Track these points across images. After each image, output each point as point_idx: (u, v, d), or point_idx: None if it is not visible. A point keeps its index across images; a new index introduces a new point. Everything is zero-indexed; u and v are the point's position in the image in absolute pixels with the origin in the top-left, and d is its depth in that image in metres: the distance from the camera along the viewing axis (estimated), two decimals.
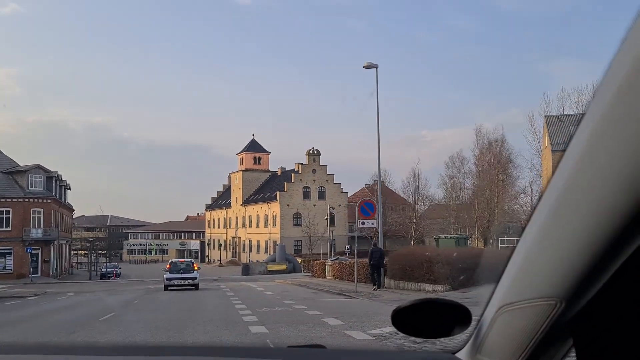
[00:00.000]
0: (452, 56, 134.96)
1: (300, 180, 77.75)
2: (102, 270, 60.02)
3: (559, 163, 0.92)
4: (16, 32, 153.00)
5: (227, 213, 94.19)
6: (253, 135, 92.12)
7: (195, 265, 30.39)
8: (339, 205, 79.56)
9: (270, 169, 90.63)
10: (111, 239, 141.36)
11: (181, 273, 28.65)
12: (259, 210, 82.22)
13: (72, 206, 69.40)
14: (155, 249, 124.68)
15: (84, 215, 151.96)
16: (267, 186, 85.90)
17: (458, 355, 1.41)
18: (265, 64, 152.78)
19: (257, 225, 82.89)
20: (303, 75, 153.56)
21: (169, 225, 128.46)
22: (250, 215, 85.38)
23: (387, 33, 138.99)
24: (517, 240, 1.11)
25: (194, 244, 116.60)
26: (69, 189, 66.18)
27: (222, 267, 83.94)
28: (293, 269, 55.60)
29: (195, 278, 28.59)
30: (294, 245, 75.99)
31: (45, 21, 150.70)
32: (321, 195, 79.01)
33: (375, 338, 10.37)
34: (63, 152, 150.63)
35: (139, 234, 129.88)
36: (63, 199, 63.79)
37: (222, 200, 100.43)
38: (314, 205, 78.13)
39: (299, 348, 1.85)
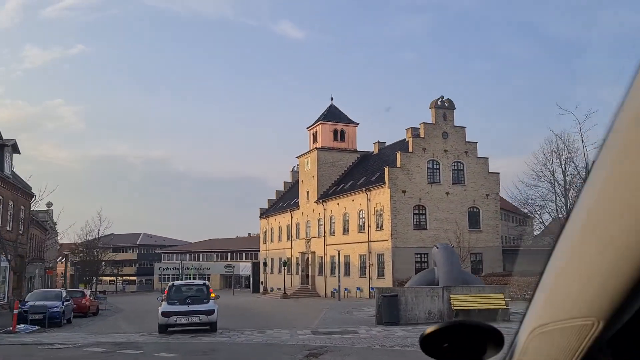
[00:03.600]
0: None
1: (423, 150, 44.22)
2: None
3: (590, 172, 0.84)
4: (82, 71, 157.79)
5: (292, 217, 61.34)
6: (332, 99, 59.74)
7: (211, 290, 18.08)
8: (486, 195, 45.56)
9: (358, 149, 57.77)
10: (140, 262, 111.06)
11: (188, 304, 16.88)
12: (347, 205, 48.97)
13: (31, 190, 38.21)
14: (194, 274, 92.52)
15: (112, 234, 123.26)
16: (357, 172, 52.88)
17: None
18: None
19: (345, 231, 49.51)
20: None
21: (212, 243, 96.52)
22: (331, 217, 52.19)
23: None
24: (548, 258, 1.04)
25: (245, 267, 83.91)
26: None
27: (287, 299, 50.90)
28: None
29: (212, 312, 17.14)
30: (416, 261, 42.61)
31: (109, 61, 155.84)
32: (457, 177, 45.22)
33: None
34: (123, 185, 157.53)
35: (174, 255, 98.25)
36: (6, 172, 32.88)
37: (283, 201, 67.81)
38: (447, 193, 44.31)
39: None
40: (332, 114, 58.11)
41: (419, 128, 45.99)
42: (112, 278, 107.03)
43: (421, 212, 43.59)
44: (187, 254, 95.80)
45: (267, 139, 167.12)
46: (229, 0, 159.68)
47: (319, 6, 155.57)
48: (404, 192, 42.89)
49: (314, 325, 20.10)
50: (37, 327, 19.36)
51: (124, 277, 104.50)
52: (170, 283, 20.03)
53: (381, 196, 43.57)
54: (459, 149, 45.19)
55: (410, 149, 43.96)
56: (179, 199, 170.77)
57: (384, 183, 43.01)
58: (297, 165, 72.55)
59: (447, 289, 17.68)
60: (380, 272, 43.37)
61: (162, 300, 18.03)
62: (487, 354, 1.29)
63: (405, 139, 48.05)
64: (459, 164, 45.20)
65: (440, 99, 45.21)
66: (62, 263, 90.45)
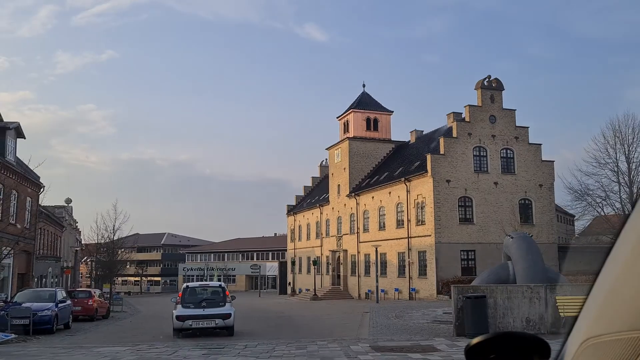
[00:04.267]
0: None
1: (469, 135, 39.51)
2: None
3: None
4: (112, 76, 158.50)
5: (322, 213, 57.06)
6: (364, 86, 55.36)
7: (227, 292, 17.16)
8: (539, 185, 40.70)
9: (393, 139, 53.26)
10: (165, 262, 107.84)
11: (203, 307, 15.89)
12: (383, 198, 44.49)
13: (39, 180, 34.69)
14: (219, 275, 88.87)
15: (137, 234, 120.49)
16: (392, 163, 48.38)
17: None
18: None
19: (381, 227, 45.02)
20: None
21: (238, 243, 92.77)
22: (365, 211, 47.75)
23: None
24: (603, 262, 1.04)
25: (271, 267, 79.86)
26: None
27: (318, 301, 46.74)
28: None
29: (229, 315, 16.04)
30: (462, 259, 38.00)
31: (137, 66, 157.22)
32: (507, 166, 40.41)
33: None
34: (150, 188, 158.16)
35: (198, 255, 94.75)
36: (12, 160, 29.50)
37: (312, 197, 63.60)
38: (495, 183, 39.55)
39: None
40: (365, 102, 53.73)
41: (461, 113, 41.34)
42: (137, 278, 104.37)
43: (467, 204, 38.88)
44: (212, 254, 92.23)
45: (292, 141, 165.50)
46: (254, 4, 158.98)
47: (343, 8, 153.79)
48: (448, 181, 38.26)
49: (366, 334, 15.74)
50: (12, 336, 15.31)
51: (149, 278, 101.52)
52: (184, 285, 18.56)
53: (422, 187, 39.00)
54: (508, 135, 40.36)
55: (455, 134, 39.30)
56: (205, 202, 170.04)
57: (426, 172, 38.44)
58: (326, 159, 68.36)
59: (551, 289, 13.10)
60: (422, 271, 38.80)
61: (176, 303, 16.82)
62: None
63: (446, 126, 43.45)
64: (509, 151, 40.36)
65: (487, 79, 40.47)
66: (86, 264, 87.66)
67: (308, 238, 61.00)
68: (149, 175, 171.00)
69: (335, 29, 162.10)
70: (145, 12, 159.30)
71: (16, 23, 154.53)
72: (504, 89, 40.86)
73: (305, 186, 68.09)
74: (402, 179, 41.25)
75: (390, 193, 43.40)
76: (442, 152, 38.68)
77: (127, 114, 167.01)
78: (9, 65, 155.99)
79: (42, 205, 44.96)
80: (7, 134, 29.82)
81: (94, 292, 26.35)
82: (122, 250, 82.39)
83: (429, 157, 38.44)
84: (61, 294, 20.24)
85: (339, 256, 52.34)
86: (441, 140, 39.11)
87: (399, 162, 46.84)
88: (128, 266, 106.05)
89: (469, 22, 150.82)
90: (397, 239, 41.97)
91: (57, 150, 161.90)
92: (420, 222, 39.41)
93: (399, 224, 42.18)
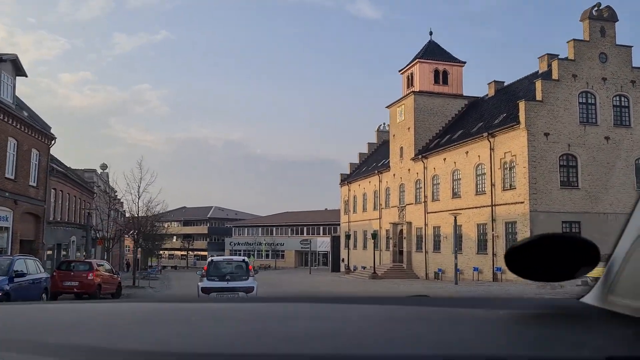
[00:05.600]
0: None
1: (573, 77, 31.01)
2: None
3: None
4: (166, 56, 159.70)
5: (380, 181, 49.62)
6: (431, 34, 47.06)
7: (250, 266, 17.54)
8: None
9: (465, 94, 45.07)
10: (212, 236, 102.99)
11: (227, 281, 16.38)
12: (458, 160, 36.65)
13: (50, 130, 28.77)
14: (266, 250, 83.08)
15: (184, 207, 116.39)
16: (467, 120, 40.36)
17: (584, 300, 1.19)
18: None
19: (455, 194, 37.28)
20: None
21: (286, 217, 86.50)
22: (434, 176, 40.02)
23: None
24: None
25: (322, 242, 73.18)
26: None
27: (378, 280, 39.73)
28: None
29: (252, 289, 16.23)
30: (565, 232, 29.11)
31: (191, 46, 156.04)
32: (621, 116, 31.78)
33: None
34: (205, 166, 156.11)
35: (245, 229, 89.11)
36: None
37: (368, 164, 56.21)
38: (606, 138, 31.05)
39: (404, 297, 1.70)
40: (432, 51, 45.58)
41: (557, 55, 32.79)
42: (184, 252, 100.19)
43: (570, 163, 30.64)
44: (259, 228, 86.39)
45: (344, 120, 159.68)
46: None
47: None
48: (546, 135, 30.08)
49: None
50: None
51: (195, 252, 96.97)
52: (209, 258, 19.46)
53: (512, 142, 30.96)
54: (623, 78, 31.66)
55: (555, 76, 30.92)
56: (255, 180, 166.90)
57: (517, 123, 30.36)
58: (384, 124, 60.68)
59: None
60: None
61: (201, 276, 17.36)
62: (581, 270, 1.12)
63: (538, 72, 35.02)
64: (623, 99, 31.71)
65: (596, 7, 31.72)
66: (130, 237, 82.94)
67: (364, 210, 53.74)
68: (202, 154, 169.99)
69: (386, 5, 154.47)
70: None
71: (76, 6, 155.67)
72: (617, 20, 32.03)
73: (360, 153, 60.71)
74: (484, 134, 33.27)
75: (467, 153, 35.50)
76: (539, 98, 30.44)
77: (180, 94, 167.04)
78: (70, 47, 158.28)
79: (66, 166, 39.49)
80: (1, 67, 23.70)
81: (97, 264, 20.02)
82: (163, 222, 77.70)
83: (522, 104, 30.25)
84: (25, 264, 13.83)
85: (401, 229, 44.93)
86: (538, 85, 30.81)
87: (476, 118, 38.75)
88: (174, 239, 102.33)
89: None
90: (476, 207, 34.19)
91: (115, 130, 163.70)
92: (509, 186, 31.47)
93: (479, 189, 34.34)
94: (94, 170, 45.75)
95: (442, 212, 38.17)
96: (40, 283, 14.31)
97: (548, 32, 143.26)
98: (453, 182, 37.45)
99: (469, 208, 34.65)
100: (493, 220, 32.45)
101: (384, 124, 61.12)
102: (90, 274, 18.88)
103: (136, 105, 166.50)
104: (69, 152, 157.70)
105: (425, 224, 40.72)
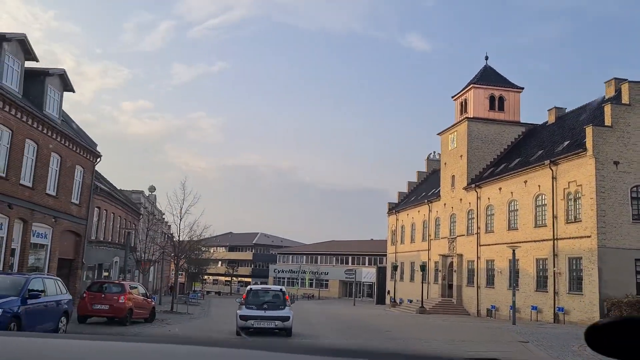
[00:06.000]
0: None
1: None
2: None
3: None
4: (221, 86, 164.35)
5: (430, 210, 47.39)
6: (487, 59, 45.12)
7: (287, 297, 18.00)
8: None
9: (522, 121, 42.70)
10: (256, 262, 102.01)
11: (264, 309, 16.94)
12: (515, 189, 34.25)
13: (96, 148, 28.36)
14: (310, 279, 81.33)
15: (230, 232, 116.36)
16: (525, 148, 38.04)
17: None
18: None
19: (512, 226, 34.77)
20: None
21: (332, 245, 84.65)
22: (488, 206, 37.65)
23: None
24: None
25: (368, 273, 70.88)
26: None
27: (426, 314, 37.38)
28: None
29: (288, 318, 16.84)
30: (638, 271, 26.95)
31: (245, 76, 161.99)
32: None
33: None
34: (254, 193, 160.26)
35: (289, 256, 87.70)
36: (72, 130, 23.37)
37: (417, 193, 54.10)
38: None
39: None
40: (488, 77, 43.62)
41: (625, 80, 30.26)
42: (228, 278, 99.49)
43: None
44: (304, 256, 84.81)
45: (393, 152, 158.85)
46: (358, 15, 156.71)
47: (446, 17, 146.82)
48: (616, 163, 27.52)
49: None
50: None
51: (239, 278, 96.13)
52: (248, 287, 19.63)
53: (578, 171, 28.50)
54: None
55: (625, 100, 28.46)
56: (303, 208, 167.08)
57: (584, 150, 27.95)
58: (434, 152, 58.69)
59: None
60: (575, 285, 28.27)
61: (240, 304, 17.75)
62: None
63: (604, 97, 32.53)
64: None
65: None
66: (174, 260, 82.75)
67: (412, 240, 51.47)
68: (251, 180, 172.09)
69: (437, 37, 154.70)
70: (254, 24, 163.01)
71: (139, 37, 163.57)
72: None
73: (409, 182, 58.68)
74: (546, 162, 30.90)
75: (526, 182, 33.11)
76: (607, 123, 28.00)
77: (233, 122, 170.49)
78: (132, 76, 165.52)
79: (112, 185, 39.27)
80: (48, 81, 23.42)
81: (129, 287, 18.85)
82: (208, 247, 77.22)
83: (589, 129, 27.88)
84: (43, 283, 12.57)
85: (451, 262, 42.47)
86: (607, 109, 28.40)
87: (535, 146, 36.37)
88: (219, 265, 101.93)
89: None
90: (535, 240, 31.60)
91: (169, 155, 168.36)
92: (573, 218, 28.89)
93: (539, 221, 31.81)
94: (142, 192, 45.58)
95: (497, 244, 35.68)
96: (60, 306, 13.10)
97: (606, 59, 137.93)
98: (509, 213, 35.00)
99: (527, 241, 32.09)
100: (555, 255, 29.81)
101: (434, 152, 59.13)
102: (122, 297, 17.74)
103: (191, 132, 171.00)
104: (124, 175, 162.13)
105: (478, 257, 38.20)
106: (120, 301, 17.61)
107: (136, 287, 19.94)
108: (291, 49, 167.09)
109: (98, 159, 28.46)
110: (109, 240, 33.88)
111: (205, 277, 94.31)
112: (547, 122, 39.22)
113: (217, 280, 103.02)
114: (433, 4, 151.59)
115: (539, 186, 31.76)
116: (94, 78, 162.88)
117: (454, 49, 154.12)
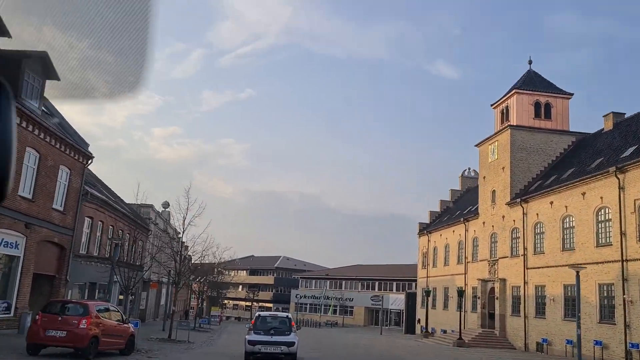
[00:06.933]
0: None
1: None
2: None
3: None
4: (249, 112, 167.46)
5: (467, 230, 42.46)
6: (530, 62, 40.64)
7: (293, 323, 18.79)
8: None
9: (571, 130, 37.87)
10: (278, 287, 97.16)
11: (271, 335, 17.72)
12: (570, 203, 29.33)
13: (88, 149, 24.60)
14: (334, 305, 76.22)
15: (252, 256, 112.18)
16: (577, 159, 33.15)
17: None
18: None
19: (567, 246, 29.71)
20: None
21: (357, 270, 79.60)
22: (537, 224, 32.71)
23: None
24: None
25: (396, 299, 65.68)
26: None
27: (465, 348, 32.37)
28: None
29: (293, 344, 17.66)
30: None
31: (272, 104, 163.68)
32: None
33: None
34: (280, 217, 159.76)
35: (312, 281, 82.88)
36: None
37: (451, 213, 49.26)
38: None
39: None
40: (532, 81, 39.07)
41: None
42: (249, 303, 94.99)
43: None
44: (328, 281, 79.85)
45: (422, 179, 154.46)
46: (385, 42, 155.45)
47: (474, 45, 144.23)
48: None
49: None
50: None
51: (260, 303, 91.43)
52: (257, 313, 20.24)
53: None
54: None
55: None
56: (328, 233, 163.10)
57: None
58: (469, 169, 54.08)
59: None
60: None
61: (249, 329, 18.36)
62: None
63: None
64: None
65: None
66: (197, 283, 78.94)
67: (446, 263, 46.45)
68: (276, 205, 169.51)
69: (465, 65, 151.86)
70: (283, 52, 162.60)
71: (170, 65, 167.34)
72: None
73: (442, 200, 53.83)
74: (610, 169, 26.04)
75: (584, 194, 28.19)
76: None
77: (261, 149, 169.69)
78: (163, 103, 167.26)
79: (121, 199, 35.59)
80: (25, 65, 19.79)
81: (95, 308, 14.53)
82: (228, 270, 72.95)
83: None
84: None
85: (492, 287, 37.39)
86: None
87: (592, 154, 31.52)
88: (240, 289, 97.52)
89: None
90: (598, 262, 26.54)
91: (197, 181, 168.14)
92: None
93: (602, 240, 26.79)
94: (151, 206, 41.78)
95: (548, 267, 30.66)
96: None
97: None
98: (563, 231, 30.01)
99: (587, 263, 26.96)
100: (624, 279, 24.71)
101: (469, 168, 54.45)
102: (84, 321, 13.51)
103: (220, 158, 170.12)
104: (150, 196, 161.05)
105: (525, 282, 33.12)
106: (81, 326, 13.38)
107: (108, 310, 15.72)
108: (317, 75, 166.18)
109: (89, 161, 24.71)
110: (106, 256, 29.90)
111: (225, 301, 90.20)
112: (602, 129, 34.31)
113: (237, 305, 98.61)
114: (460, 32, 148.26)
115: (602, 198, 26.82)
116: (126, 105, 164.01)
117: (483, 76, 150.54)
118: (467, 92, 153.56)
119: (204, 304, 75.52)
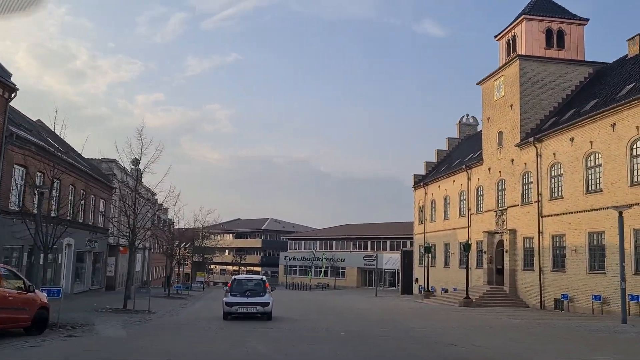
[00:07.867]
0: None
1: None
2: None
3: None
4: (235, 77, 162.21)
5: (469, 179, 38.28)
6: None
7: (267, 284, 19.49)
8: None
9: (587, 59, 33.35)
10: (266, 250, 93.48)
11: (247, 296, 18.69)
12: (593, 136, 25.00)
13: (9, 78, 19.68)
14: (326, 267, 72.61)
15: (239, 219, 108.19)
16: (597, 90, 28.58)
17: None
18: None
19: (591, 188, 25.54)
20: None
21: (348, 229, 75.76)
22: (553, 165, 28.46)
23: None
24: None
25: (390, 258, 61.98)
26: None
27: (473, 308, 28.41)
28: None
29: (267, 304, 18.59)
30: None
31: (258, 67, 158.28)
32: None
33: None
34: (271, 183, 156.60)
35: (302, 242, 79.06)
36: None
37: (451, 161, 45.04)
38: None
39: None
40: (542, 6, 34.26)
41: None
42: (236, 268, 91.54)
43: None
44: (318, 242, 76.05)
45: (411, 140, 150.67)
46: (372, 3, 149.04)
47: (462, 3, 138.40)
48: None
49: None
50: None
51: (248, 267, 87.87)
52: (232, 277, 21.28)
53: None
54: None
55: None
56: (318, 197, 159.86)
57: None
58: (467, 115, 49.78)
59: None
60: None
61: (226, 292, 19.14)
62: None
63: None
64: None
65: None
66: (183, 249, 74.54)
67: (446, 217, 42.43)
68: (265, 171, 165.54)
69: (454, 24, 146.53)
70: (268, 14, 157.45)
71: (152, 30, 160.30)
72: None
73: (438, 150, 49.52)
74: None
75: (614, 125, 23.86)
76: None
77: (247, 114, 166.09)
78: (145, 69, 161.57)
79: (80, 155, 30.90)
80: None
81: None
82: (211, 233, 68.74)
83: None
84: None
85: (500, 240, 33.43)
86: None
87: (617, 83, 27.08)
88: (227, 253, 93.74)
89: None
90: (633, 204, 22.39)
91: (184, 148, 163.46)
92: None
93: (638, 178, 22.62)
94: (114, 160, 36.93)
95: (568, 213, 26.57)
96: None
97: None
98: (587, 171, 25.79)
99: (618, 206, 22.84)
100: None
101: (467, 115, 50.08)
102: None
103: (206, 124, 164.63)
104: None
105: (540, 232, 29.07)
106: None
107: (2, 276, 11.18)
108: (304, 36, 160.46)
109: (13, 94, 19.85)
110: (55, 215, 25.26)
111: (212, 266, 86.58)
112: (626, 55, 29.77)
113: (224, 270, 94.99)
114: None
115: (638, 128, 22.52)
116: (107, 72, 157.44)
117: (472, 34, 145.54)
118: (456, 51, 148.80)
119: (183, 269, 71.82)
